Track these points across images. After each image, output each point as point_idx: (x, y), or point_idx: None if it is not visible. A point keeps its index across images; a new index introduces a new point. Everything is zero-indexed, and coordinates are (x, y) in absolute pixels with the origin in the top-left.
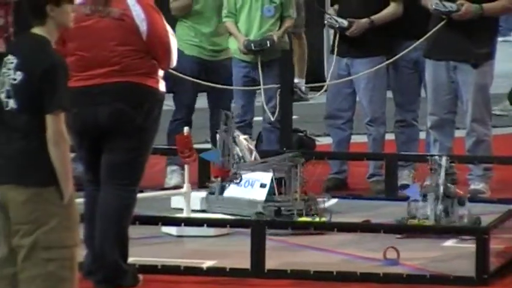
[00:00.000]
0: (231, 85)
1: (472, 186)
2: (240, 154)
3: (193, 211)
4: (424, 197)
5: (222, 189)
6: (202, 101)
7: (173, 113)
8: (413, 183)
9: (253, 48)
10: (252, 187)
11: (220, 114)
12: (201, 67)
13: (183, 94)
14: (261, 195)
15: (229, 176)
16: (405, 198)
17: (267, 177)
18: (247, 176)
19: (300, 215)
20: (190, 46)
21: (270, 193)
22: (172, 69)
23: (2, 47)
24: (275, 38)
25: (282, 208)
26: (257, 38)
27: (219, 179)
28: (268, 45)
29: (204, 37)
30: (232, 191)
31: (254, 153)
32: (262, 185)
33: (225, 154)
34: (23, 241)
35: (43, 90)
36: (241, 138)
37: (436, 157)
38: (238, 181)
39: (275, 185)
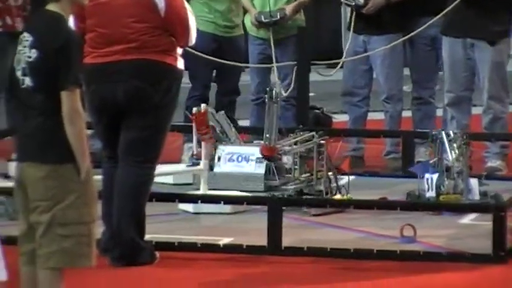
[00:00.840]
0: (242, 61)
1: (489, 164)
2: (224, 130)
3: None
4: (447, 171)
5: (211, 166)
6: None
7: (189, 90)
8: (429, 160)
9: (263, 20)
10: (247, 162)
11: (229, 90)
12: (216, 44)
13: (198, 71)
14: (260, 169)
15: (275, 155)
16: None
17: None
18: (236, 150)
19: (326, 194)
20: (205, 22)
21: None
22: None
23: (20, 26)
24: (287, 11)
25: (305, 188)
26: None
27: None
28: (279, 17)
29: (218, 13)
30: (224, 167)
31: (233, 129)
32: (259, 160)
33: (270, 131)
34: (41, 218)
35: (58, 67)
36: (221, 114)
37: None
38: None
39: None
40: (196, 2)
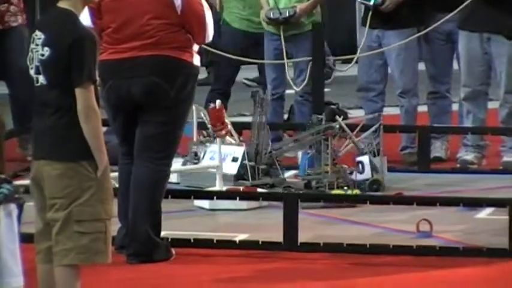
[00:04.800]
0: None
1: (505, 158)
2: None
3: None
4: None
5: (197, 163)
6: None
7: (212, 83)
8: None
9: (272, 16)
10: (225, 161)
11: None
12: (250, 40)
13: (224, 66)
14: (232, 169)
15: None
16: (439, 171)
17: (239, 150)
18: (216, 149)
19: (332, 188)
20: (239, 19)
21: (242, 166)
22: (217, 41)
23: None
24: (297, 9)
25: (313, 181)
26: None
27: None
28: (287, 15)
29: (252, 10)
30: (205, 164)
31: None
32: (234, 159)
33: (259, 138)
34: (58, 215)
35: (71, 64)
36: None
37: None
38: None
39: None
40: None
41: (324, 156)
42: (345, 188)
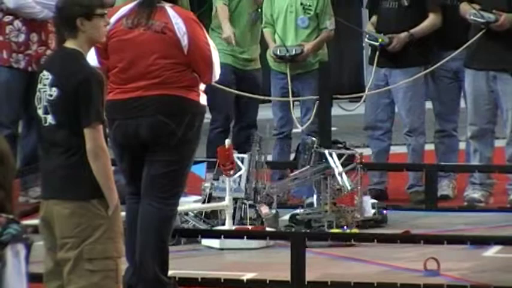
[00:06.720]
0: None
1: None
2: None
3: None
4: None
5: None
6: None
7: (211, 122)
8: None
9: (278, 53)
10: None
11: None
12: (234, 76)
13: (220, 102)
14: None
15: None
16: (446, 209)
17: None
18: None
19: (330, 227)
20: (224, 54)
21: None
22: None
23: (21, 63)
24: (305, 48)
25: (312, 220)
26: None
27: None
28: (294, 52)
29: (236, 46)
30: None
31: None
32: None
33: (255, 177)
34: (69, 254)
35: (79, 104)
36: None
37: None
38: (271, 203)
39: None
40: (216, 36)
41: (323, 195)
42: (344, 227)
